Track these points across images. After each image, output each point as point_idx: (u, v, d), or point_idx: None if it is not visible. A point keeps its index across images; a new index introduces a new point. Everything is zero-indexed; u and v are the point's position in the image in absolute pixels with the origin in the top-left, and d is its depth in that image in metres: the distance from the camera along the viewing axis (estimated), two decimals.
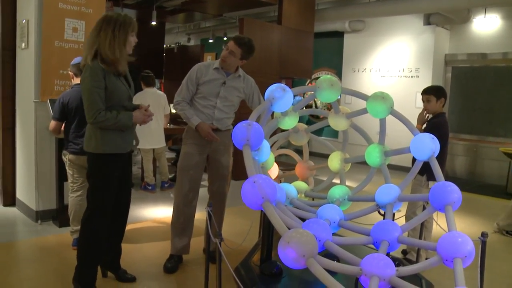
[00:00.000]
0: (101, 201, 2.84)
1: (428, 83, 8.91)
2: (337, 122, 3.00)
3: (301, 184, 3.24)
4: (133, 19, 2.82)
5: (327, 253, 2.06)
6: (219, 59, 3.48)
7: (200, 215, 5.00)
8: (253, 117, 2.41)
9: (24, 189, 4.77)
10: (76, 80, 3.76)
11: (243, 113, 3.70)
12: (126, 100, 2.88)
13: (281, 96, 2.50)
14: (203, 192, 3.91)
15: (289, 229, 1.83)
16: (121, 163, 2.91)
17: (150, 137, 5.89)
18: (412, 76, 9.21)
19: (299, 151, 3.71)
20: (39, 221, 4.41)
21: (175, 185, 3.61)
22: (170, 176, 6.44)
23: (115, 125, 2.75)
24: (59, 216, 4.34)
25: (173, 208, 3.57)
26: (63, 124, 3.72)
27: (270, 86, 2.57)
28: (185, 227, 3.54)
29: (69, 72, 3.87)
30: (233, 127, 2.40)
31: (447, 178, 2.27)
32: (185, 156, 3.52)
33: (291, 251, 1.68)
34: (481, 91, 8.82)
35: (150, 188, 6.13)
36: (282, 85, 2.54)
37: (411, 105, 8.93)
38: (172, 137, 7.41)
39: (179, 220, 3.52)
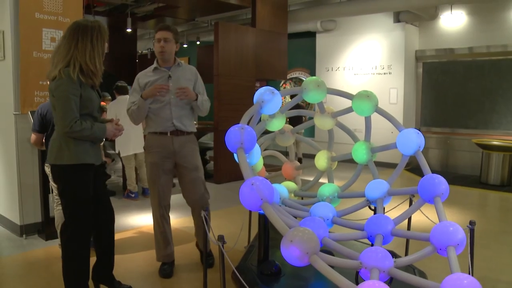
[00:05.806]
0: (82, 216, 2.67)
1: (401, 79, 9.15)
2: (323, 122, 3.08)
3: (289, 184, 3.30)
4: (105, 26, 2.73)
5: (322, 250, 2.13)
6: (155, 61, 3.49)
7: (179, 222, 5.01)
8: (245, 120, 2.45)
9: (6, 204, 4.66)
10: None
11: None
12: (96, 110, 2.77)
13: (270, 99, 2.55)
14: (180, 199, 3.85)
15: (289, 228, 1.88)
16: (93, 175, 2.76)
17: (130, 142, 5.87)
18: (385, 73, 9.43)
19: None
20: (24, 236, 4.32)
21: (150, 196, 3.54)
22: None
23: (89, 136, 2.63)
24: (45, 229, 4.27)
25: (153, 220, 3.53)
26: (44, 136, 3.68)
27: (259, 89, 2.63)
28: (167, 236, 3.51)
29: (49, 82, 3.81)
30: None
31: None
32: (152, 166, 3.41)
33: (295, 249, 1.73)
34: (451, 85, 9.10)
35: (133, 196, 6.08)
36: (271, 88, 2.60)
37: (385, 101, 9.13)
38: None
39: (160, 229, 3.48)
